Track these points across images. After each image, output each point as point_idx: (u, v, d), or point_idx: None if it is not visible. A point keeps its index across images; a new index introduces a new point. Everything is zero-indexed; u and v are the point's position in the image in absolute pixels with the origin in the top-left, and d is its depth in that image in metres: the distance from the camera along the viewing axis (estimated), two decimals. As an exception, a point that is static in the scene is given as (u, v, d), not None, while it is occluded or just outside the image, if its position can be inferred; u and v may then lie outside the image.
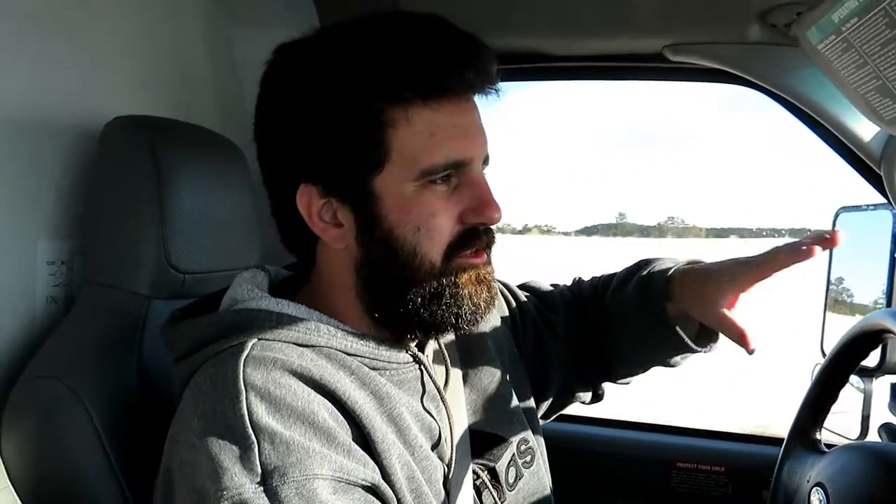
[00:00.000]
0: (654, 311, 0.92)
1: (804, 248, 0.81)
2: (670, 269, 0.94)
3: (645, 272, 0.96)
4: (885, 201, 1.25)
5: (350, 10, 1.21)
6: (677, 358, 0.98)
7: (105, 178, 0.92)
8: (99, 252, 0.93)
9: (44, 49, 0.92)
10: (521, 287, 1.08)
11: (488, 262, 0.77)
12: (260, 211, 1.02)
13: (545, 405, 1.03)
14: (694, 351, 0.93)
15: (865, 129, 1.13)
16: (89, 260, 0.94)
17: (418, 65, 0.69)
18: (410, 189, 0.71)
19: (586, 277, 1.10)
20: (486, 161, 0.76)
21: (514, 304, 1.03)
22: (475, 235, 0.74)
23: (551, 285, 1.10)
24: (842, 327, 1.05)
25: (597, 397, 1.08)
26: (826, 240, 0.81)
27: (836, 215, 1.41)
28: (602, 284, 1.05)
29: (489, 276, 0.77)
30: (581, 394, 1.06)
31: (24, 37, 0.89)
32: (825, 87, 1.09)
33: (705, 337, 0.95)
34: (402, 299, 0.73)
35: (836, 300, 1.40)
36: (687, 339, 0.91)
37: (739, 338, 0.84)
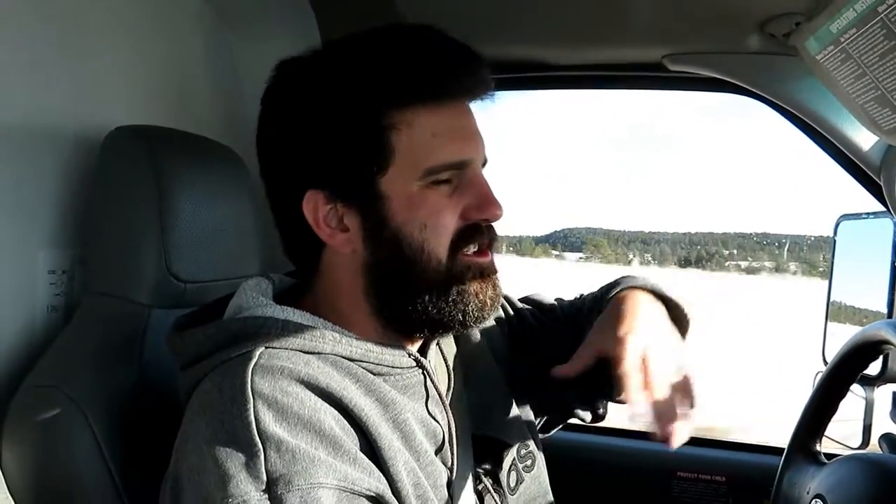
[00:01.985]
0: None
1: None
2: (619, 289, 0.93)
3: (610, 292, 0.95)
4: (885, 210, 1.25)
5: (350, 20, 1.23)
6: None
7: (106, 188, 0.92)
8: (100, 261, 0.93)
9: (45, 60, 0.92)
10: (523, 300, 1.08)
11: (492, 262, 0.79)
12: (260, 220, 1.03)
13: (544, 417, 1.03)
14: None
15: (864, 139, 1.13)
16: (90, 269, 0.94)
17: (417, 71, 0.72)
18: (416, 188, 0.73)
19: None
20: (484, 163, 0.79)
21: (511, 312, 1.03)
22: (478, 231, 0.76)
23: (555, 299, 1.10)
24: (844, 335, 1.05)
25: (597, 417, 1.04)
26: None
27: (838, 224, 1.42)
28: (589, 301, 1.03)
29: (494, 275, 0.78)
30: (580, 410, 1.02)
31: (26, 47, 0.90)
32: (824, 96, 1.10)
33: None
34: (411, 297, 0.75)
35: (838, 308, 1.40)
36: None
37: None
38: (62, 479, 0.79)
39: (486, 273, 0.77)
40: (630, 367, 0.77)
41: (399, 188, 0.73)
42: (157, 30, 1.14)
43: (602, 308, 0.92)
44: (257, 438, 0.63)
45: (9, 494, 0.78)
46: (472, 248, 0.76)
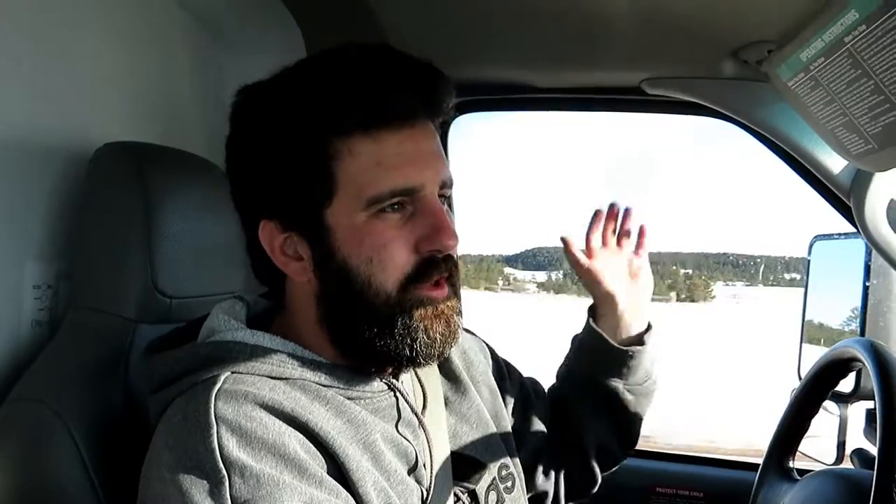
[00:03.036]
0: (582, 335, 1.05)
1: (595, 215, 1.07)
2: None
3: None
4: (856, 231, 1.28)
5: (335, 36, 1.25)
6: (624, 384, 1.02)
7: (94, 203, 0.93)
8: (86, 276, 0.93)
9: (35, 75, 0.93)
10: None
11: (451, 296, 0.76)
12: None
13: (530, 466, 1.01)
14: (619, 351, 1.01)
15: (835, 163, 1.16)
16: (76, 283, 0.95)
17: (359, 97, 0.71)
18: (361, 219, 0.72)
19: None
20: (446, 185, 0.76)
21: (498, 359, 1.05)
22: (433, 265, 0.73)
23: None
24: (818, 354, 1.08)
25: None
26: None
27: (812, 244, 1.45)
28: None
29: (449, 310, 0.76)
30: (541, 478, 1.03)
31: (16, 64, 0.90)
32: (796, 121, 1.13)
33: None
34: (359, 330, 0.74)
35: (813, 326, 1.43)
36: (605, 336, 1.01)
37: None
38: (45, 492, 0.79)
39: (440, 308, 0.74)
40: None
41: (344, 219, 0.72)
42: (146, 47, 1.15)
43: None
44: (221, 465, 0.63)
45: (-8, 508, 0.78)
46: (427, 282, 0.74)
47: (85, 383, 0.84)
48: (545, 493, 1.03)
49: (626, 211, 1.07)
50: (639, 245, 1.08)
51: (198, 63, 1.29)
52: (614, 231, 1.07)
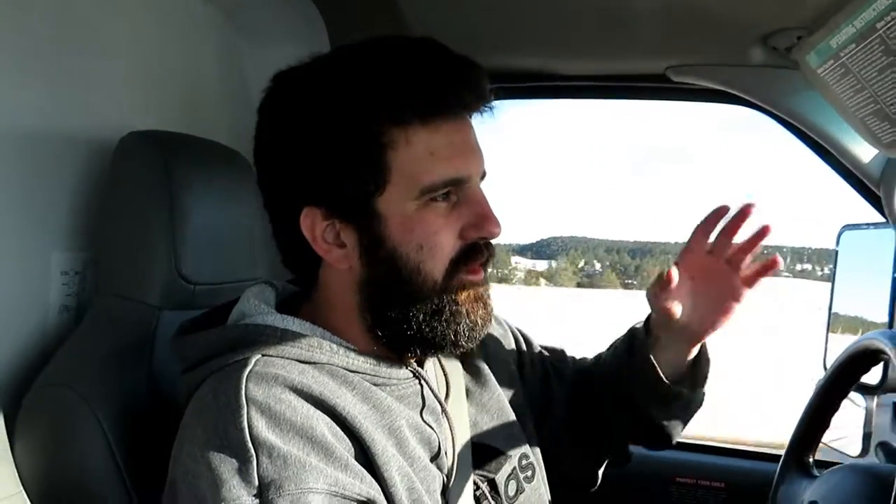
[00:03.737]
0: (641, 357, 0.93)
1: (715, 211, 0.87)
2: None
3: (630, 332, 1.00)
4: (886, 221, 1.26)
5: (358, 27, 1.25)
6: (663, 414, 0.95)
7: (119, 192, 0.94)
8: (111, 263, 0.95)
9: (61, 66, 0.95)
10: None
11: (486, 280, 0.79)
12: (268, 224, 1.05)
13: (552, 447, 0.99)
14: (667, 389, 0.92)
15: (864, 151, 1.15)
16: (102, 271, 0.96)
17: (416, 87, 0.71)
18: (412, 208, 0.73)
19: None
20: (483, 177, 0.78)
21: (520, 337, 1.05)
22: (477, 250, 0.76)
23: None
24: (844, 345, 1.06)
25: (591, 481, 1.06)
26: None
27: (840, 233, 1.43)
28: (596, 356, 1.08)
29: (486, 294, 0.78)
30: (567, 460, 1.02)
31: (42, 54, 0.92)
32: (825, 109, 1.11)
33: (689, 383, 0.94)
34: (405, 316, 0.75)
35: (841, 318, 1.41)
36: (660, 372, 0.90)
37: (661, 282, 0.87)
38: (73, 475, 0.81)
39: (479, 291, 0.77)
40: None
41: (396, 208, 0.73)
42: (168, 37, 1.16)
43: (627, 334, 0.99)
44: (250, 444, 0.64)
45: (22, 489, 0.80)
46: (469, 266, 0.76)
47: (111, 368, 0.86)
48: (566, 477, 1.02)
49: (746, 211, 0.86)
50: (755, 276, 0.87)
51: (221, 54, 1.30)
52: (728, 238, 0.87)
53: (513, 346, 1.03)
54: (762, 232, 0.86)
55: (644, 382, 0.92)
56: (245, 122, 1.32)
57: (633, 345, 0.96)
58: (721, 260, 0.88)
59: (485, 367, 0.93)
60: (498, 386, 0.93)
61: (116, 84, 1.04)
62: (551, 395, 1.02)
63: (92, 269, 1.00)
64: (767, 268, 0.88)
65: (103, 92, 1.02)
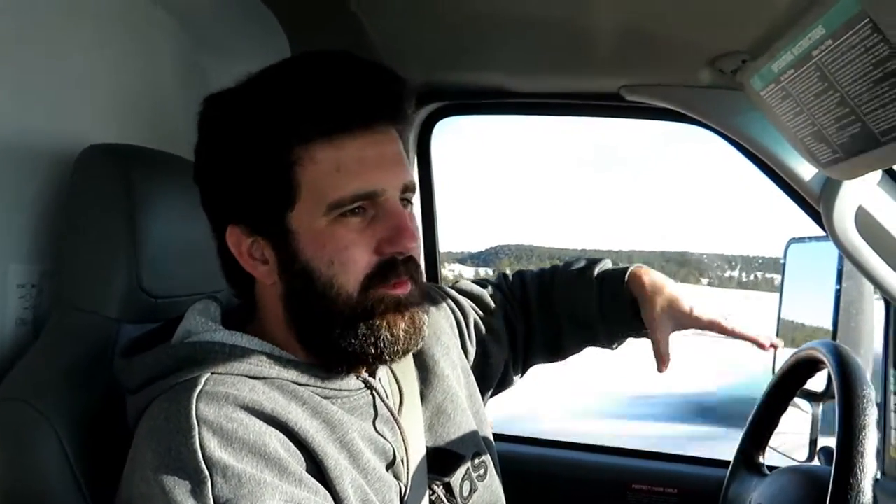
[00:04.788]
0: (615, 298, 1.07)
1: (757, 342, 1.02)
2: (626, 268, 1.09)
3: (596, 270, 1.11)
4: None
5: (319, 39, 1.26)
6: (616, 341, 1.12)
7: (79, 204, 0.94)
8: (70, 276, 0.94)
9: (20, 77, 0.94)
10: (454, 289, 1.13)
11: (413, 293, 0.78)
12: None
13: (486, 396, 1.09)
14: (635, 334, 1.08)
15: (806, 170, 1.20)
16: (60, 283, 0.96)
17: (318, 104, 0.72)
18: (322, 223, 0.74)
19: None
20: (408, 189, 0.78)
21: (458, 313, 1.07)
22: (393, 267, 0.75)
23: (478, 283, 1.15)
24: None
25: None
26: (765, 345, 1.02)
27: (787, 246, 1.49)
28: (542, 280, 1.16)
29: (412, 307, 0.78)
30: (513, 377, 1.15)
31: (1, 66, 0.91)
32: (769, 129, 1.16)
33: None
34: (323, 330, 0.76)
35: (788, 326, 1.47)
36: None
37: (661, 358, 1.00)
38: (31, 492, 0.79)
39: (402, 306, 0.76)
40: (726, 325, 1.01)
41: (306, 224, 0.74)
42: (131, 50, 1.16)
43: (616, 292, 1.08)
44: (203, 465, 0.64)
45: (-23, 506, 0.79)
46: (387, 282, 0.75)
47: (69, 383, 0.85)
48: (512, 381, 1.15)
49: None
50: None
51: (183, 66, 1.29)
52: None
53: (454, 325, 1.05)
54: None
55: (615, 318, 1.08)
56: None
57: (609, 288, 1.09)
58: None
59: (437, 366, 0.94)
60: (452, 383, 0.94)
61: (76, 96, 1.04)
62: (490, 356, 1.08)
63: (49, 282, 0.98)
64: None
65: (63, 104, 1.01)
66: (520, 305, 1.14)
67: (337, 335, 0.75)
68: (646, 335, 1.05)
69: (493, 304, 1.11)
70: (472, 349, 1.06)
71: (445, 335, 1.00)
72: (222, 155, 0.76)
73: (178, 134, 1.26)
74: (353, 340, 0.75)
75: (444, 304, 1.06)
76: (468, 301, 1.10)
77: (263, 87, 0.75)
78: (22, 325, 0.96)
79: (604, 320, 1.09)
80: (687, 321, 1.02)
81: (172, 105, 1.27)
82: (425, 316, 0.80)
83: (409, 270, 0.77)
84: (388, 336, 0.76)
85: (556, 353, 1.15)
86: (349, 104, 0.73)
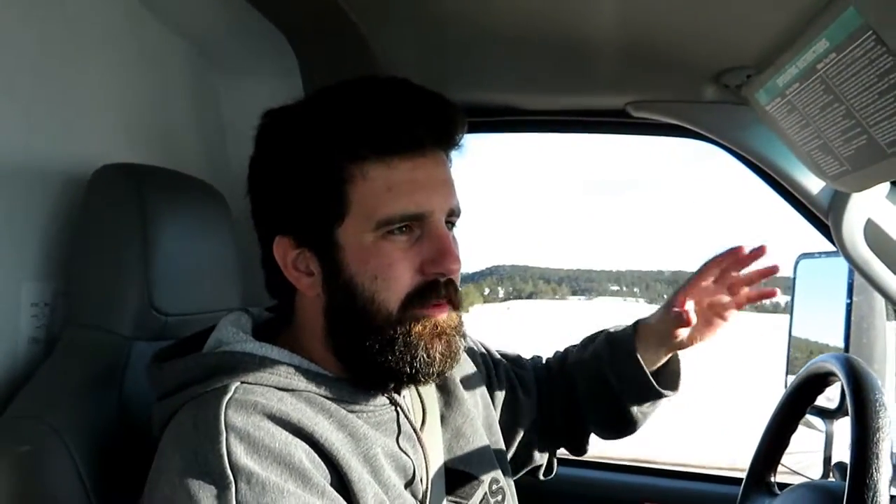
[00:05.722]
0: (625, 354, 1.03)
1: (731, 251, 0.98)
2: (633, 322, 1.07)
3: (607, 333, 1.09)
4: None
5: (329, 64, 1.28)
6: (639, 408, 1.06)
7: (92, 223, 0.95)
8: (83, 294, 0.95)
9: (34, 99, 0.96)
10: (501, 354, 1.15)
11: (452, 316, 0.79)
12: (241, 255, 1.06)
13: (508, 456, 1.07)
14: (658, 394, 1.03)
15: (813, 184, 1.20)
16: (73, 302, 0.97)
17: (374, 126, 0.74)
18: (370, 239, 0.75)
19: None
20: (454, 213, 0.80)
21: (487, 356, 1.09)
22: (434, 288, 0.77)
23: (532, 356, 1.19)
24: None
25: (550, 469, 1.17)
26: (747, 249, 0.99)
27: (797, 262, 1.49)
28: (562, 353, 1.17)
29: (450, 329, 0.78)
30: (538, 454, 1.12)
31: (16, 86, 0.93)
32: (776, 143, 1.17)
33: (667, 383, 1.05)
34: (361, 344, 0.77)
35: (799, 342, 1.47)
36: (651, 381, 1.02)
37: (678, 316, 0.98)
38: (43, 508, 0.80)
39: (440, 328, 0.77)
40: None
41: (353, 238, 0.75)
42: (144, 70, 1.18)
43: (608, 340, 1.08)
44: (229, 471, 0.65)
45: (-10, 523, 0.79)
46: (427, 302, 0.76)
47: (82, 400, 0.86)
48: (539, 467, 1.13)
49: (760, 250, 0.99)
50: (747, 299, 1.01)
51: (195, 87, 1.32)
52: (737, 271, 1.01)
53: (481, 364, 1.07)
54: (770, 270, 1.00)
55: (630, 382, 1.03)
56: (218, 154, 1.35)
57: (616, 348, 1.06)
58: (723, 288, 1.02)
59: (458, 390, 0.95)
60: (471, 408, 0.95)
61: (90, 118, 1.06)
62: (519, 405, 1.08)
63: (62, 300, 1.00)
64: (763, 295, 1.01)
65: (77, 125, 1.03)
66: (541, 370, 1.16)
67: (375, 351, 0.76)
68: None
69: (526, 363, 1.15)
70: (498, 390, 1.07)
71: (468, 364, 1.02)
72: (278, 167, 0.78)
73: (191, 153, 1.29)
74: (389, 357, 0.76)
75: (471, 339, 1.08)
76: (501, 353, 1.13)
77: (322, 105, 0.78)
78: (35, 343, 0.96)
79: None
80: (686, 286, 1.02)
81: (185, 125, 1.29)
82: (462, 341, 0.82)
83: (449, 293, 0.78)
84: (425, 357, 0.77)
85: (574, 426, 1.13)
86: (404, 127, 0.75)
